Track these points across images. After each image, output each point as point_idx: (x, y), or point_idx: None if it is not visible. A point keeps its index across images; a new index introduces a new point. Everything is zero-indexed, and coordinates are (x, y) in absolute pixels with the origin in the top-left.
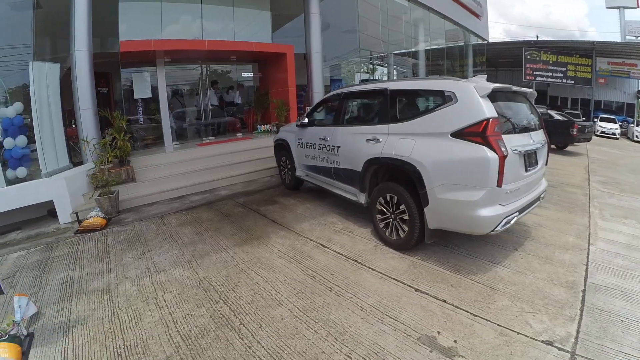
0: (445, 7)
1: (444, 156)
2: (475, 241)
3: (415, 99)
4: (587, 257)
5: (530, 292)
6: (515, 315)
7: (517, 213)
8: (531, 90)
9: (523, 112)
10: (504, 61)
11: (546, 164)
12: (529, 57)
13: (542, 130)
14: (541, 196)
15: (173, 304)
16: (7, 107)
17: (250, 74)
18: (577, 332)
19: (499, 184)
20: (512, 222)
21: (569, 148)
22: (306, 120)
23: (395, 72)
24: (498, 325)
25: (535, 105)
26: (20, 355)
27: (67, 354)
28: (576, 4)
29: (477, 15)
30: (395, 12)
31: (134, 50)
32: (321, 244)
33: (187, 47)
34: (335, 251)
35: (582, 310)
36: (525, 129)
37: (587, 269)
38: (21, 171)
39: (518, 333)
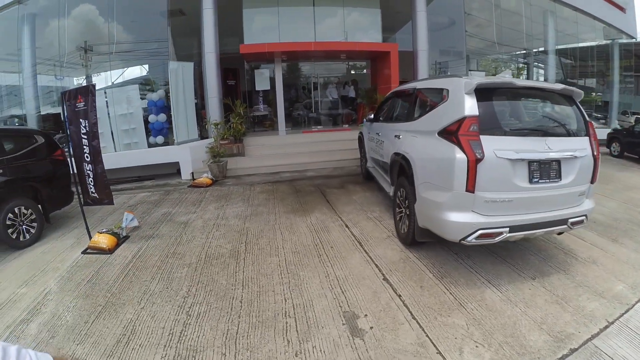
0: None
1: (427, 154)
2: (489, 256)
3: (426, 98)
4: (620, 316)
5: (500, 325)
6: (456, 338)
7: (508, 230)
8: (564, 87)
9: (540, 112)
10: None
11: (593, 182)
12: None
13: (583, 138)
14: (572, 220)
15: (216, 237)
16: (152, 93)
17: (362, 71)
18: None
19: (469, 189)
20: (498, 238)
21: None
22: (372, 116)
23: (541, 72)
24: (427, 337)
25: (581, 108)
26: (115, 243)
27: (140, 249)
28: None
29: (620, 8)
30: (514, 6)
31: (251, 52)
32: (345, 225)
33: (295, 48)
34: (351, 232)
35: None
36: (539, 133)
37: (606, 327)
38: (159, 139)
39: (437, 352)
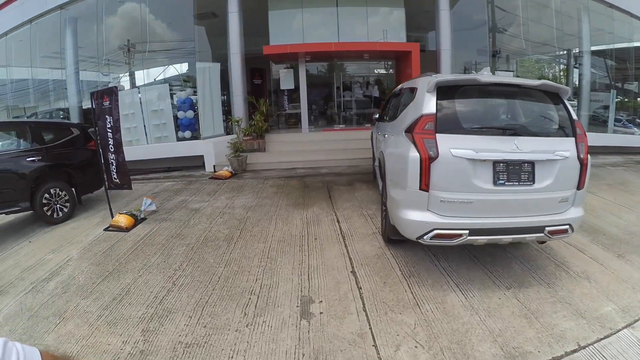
0: None
1: (393, 152)
2: (469, 261)
3: (405, 97)
4: (597, 341)
5: (451, 330)
6: (398, 335)
7: (468, 232)
8: (543, 82)
9: (511, 110)
10: None
11: (580, 188)
12: None
13: (566, 139)
14: (551, 229)
15: (218, 223)
16: (181, 91)
17: (389, 71)
18: None
19: (423, 188)
20: (457, 240)
21: None
22: (377, 115)
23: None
24: (369, 329)
25: (568, 106)
26: (133, 223)
27: (152, 229)
28: None
29: None
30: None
31: (274, 53)
32: (337, 219)
33: (315, 49)
34: (340, 226)
35: None
36: (507, 132)
37: (573, 352)
38: (187, 134)
39: (373, 345)
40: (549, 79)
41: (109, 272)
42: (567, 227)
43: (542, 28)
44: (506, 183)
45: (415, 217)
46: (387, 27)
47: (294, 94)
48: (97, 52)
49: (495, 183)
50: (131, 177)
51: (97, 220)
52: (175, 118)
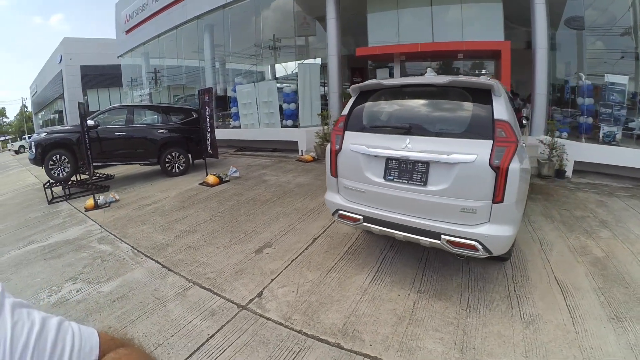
0: None
1: None
2: (422, 263)
3: None
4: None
5: (320, 291)
6: (293, 281)
7: (362, 218)
8: (452, 79)
9: (422, 110)
10: None
11: (497, 201)
12: None
13: (478, 141)
14: (449, 239)
15: (269, 191)
16: (287, 86)
17: (486, 70)
18: None
19: (332, 174)
20: (355, 224)
21: None
22: None
23: None
24: (283, 268)
25: (495, 105)
26: (217, 182)
27: (226, 189)
28: None
29: None
30: None
31: (366, 54)
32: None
33: (402, 50)
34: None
35: None
36: (402, 131)
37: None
38: (289, 122)
39: (272, 279)
40: None
41: (183, 207)
42: (476, 243)
43: None
44: (395, 180)
45: (330, 197)
46: (483, 25)
47: None
48: (224, 51)
49: (385, 178)
50: (243, 152)
51: (198, 178)
52: (281, 108)
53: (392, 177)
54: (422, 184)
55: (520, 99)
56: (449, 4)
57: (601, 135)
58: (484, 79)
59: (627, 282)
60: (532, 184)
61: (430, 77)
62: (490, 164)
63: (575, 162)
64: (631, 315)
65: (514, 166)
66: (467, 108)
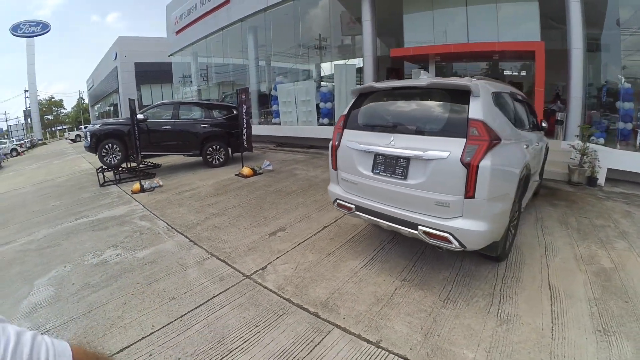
0: None
1: None
2: (417, 256)
3: None
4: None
5: (314, 270)
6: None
7: (355, 207)
8: (431, 82)
9: (408, 110)
10: None
11: (468, 196)
12: None
13: (452, 139)
14: (425, 229)
15: (297, 184)
16: (324, 86)
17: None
18: None
19: (334, 167)
20: (349, 212)
21: None
22: None
23: None
24: (292, 247)
25: (472, 106)
26: (251, 174)
27: (258, 180)
28: None
29: None
30: None
31: (401, 55)
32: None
33: (435, 51)
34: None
35: None
36: (388, 129)
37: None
38: (326, 120)
39: (277, 257)
40: None
41: (218, 194)
42: (449, 235)
43: None
44: (380, 173)
45: (331, 188)
46: (519, 25)
47: None
48: (267, 50)
49: (373, 171)
50: (282, 148)
51: (235, 169)
52: (318, 107)
53: (378, 171)
54: (403, 177)
55: (561, 101)
56: (484, 3)
57: (638, 142)
58: (462, 80)
59: (629, 297)
60: (558, 190)
61: (417, 79)
62: (461, 161)
63: (610, 169)
64: (621, 331)
65: (485, 163)
66: (446, 108)
